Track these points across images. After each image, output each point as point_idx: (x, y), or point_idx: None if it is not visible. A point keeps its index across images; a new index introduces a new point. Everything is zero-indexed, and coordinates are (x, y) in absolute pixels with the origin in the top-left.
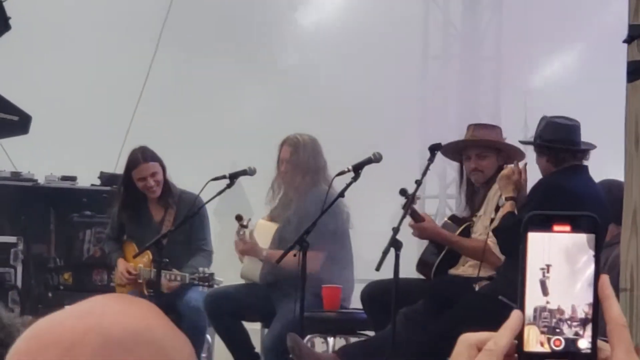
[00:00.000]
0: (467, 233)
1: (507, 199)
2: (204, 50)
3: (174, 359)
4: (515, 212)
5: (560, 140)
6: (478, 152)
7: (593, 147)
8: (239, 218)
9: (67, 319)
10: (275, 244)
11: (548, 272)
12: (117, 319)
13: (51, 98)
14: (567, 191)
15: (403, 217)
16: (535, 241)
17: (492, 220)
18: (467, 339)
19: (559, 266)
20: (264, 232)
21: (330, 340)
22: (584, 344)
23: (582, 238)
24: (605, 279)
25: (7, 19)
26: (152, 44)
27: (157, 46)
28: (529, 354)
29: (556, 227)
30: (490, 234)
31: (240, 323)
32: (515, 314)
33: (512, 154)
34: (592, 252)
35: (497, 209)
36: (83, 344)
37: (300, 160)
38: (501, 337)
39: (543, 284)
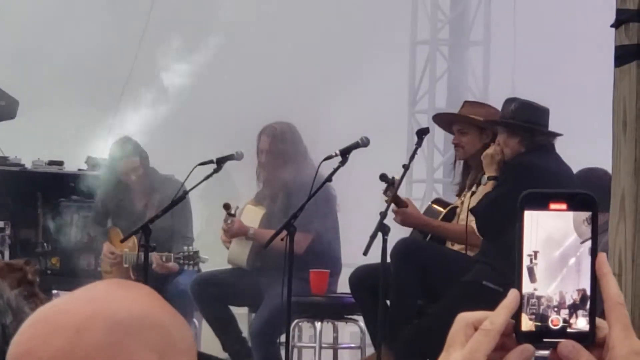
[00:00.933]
0: (452, 215)
1: (489, 178)
2: (192, 33)
3: (178, 342)
4: None
5: (536, 122)
6: (459, 128)
7: (560, 134)
8: (226, 207)
9: (72, 304)
10: (263, 228)
11: (535, 258)
12: (123, 304)
13: (38, 82)
14: (542, 170)
15: (389, 203)
16: (527, 222)
17: (472, 196)
18: (463, 318)
19: (546, 252)
20: (251, 217)
21: (318, 324)
22: (582, 322)
23: (570, 220)
24: (602, 257)
25: None
26: (140, 26)
27: (145, 29)
28: (527, 333)
29: (553, 206)
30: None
31: (227, 308)
32: (512, 293)
33: (495, 132)
34: (578, 238)
35: (479, 184)
36: (91, 328)
37: (280, 149)
38: (498, 316)
39: (530, 271)
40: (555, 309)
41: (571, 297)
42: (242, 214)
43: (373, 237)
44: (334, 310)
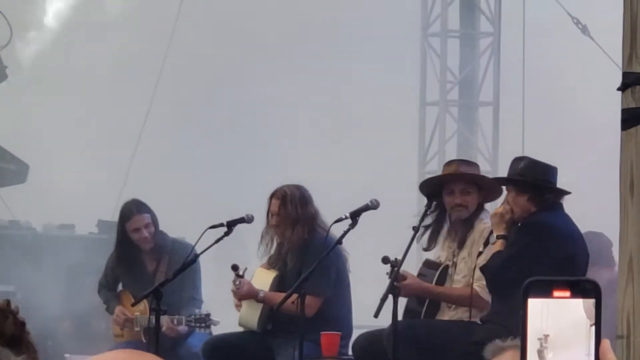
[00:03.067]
0: (444, 277)
1: (498, 237)
2: (201, 97)
3: None
4: None
5: (545, 180)
6: (463, 187)
7: (568, 192)
8: (234, 268)
9: None
10: (274, 291)
11: (546, 342)
12: None
13: (48, 147)
14: (555, 230)
15: (390, 285)
16: (534, 307)
17: (479, 255)
18: None
19: (556, 336)
20: (262, 279)
21: None
22: None
23: (580, 304)
24: (606, 343)
25: (4, 68)
26: (149, 91)
27: (153, 93)
28: None
29: (556, 293)
30: (476, 276)
31: None
32: None
33: (492, 192)
34: (588, 321)
35: (486, 243)
36: None
37: (289, 212)
38: None
39: (540, 354)
40: None
41: None
42: (253, 276)
43: (384, 300)
44: None
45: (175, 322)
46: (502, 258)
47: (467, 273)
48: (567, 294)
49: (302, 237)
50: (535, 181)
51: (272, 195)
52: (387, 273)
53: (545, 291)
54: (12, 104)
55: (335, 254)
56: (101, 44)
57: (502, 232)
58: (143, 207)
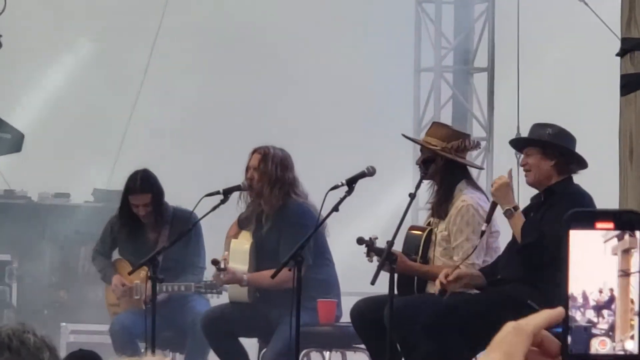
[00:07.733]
0: (429, 241)
1: (513, 209)
2: (197, 63)
3: None
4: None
5: (571, 150)
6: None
7: (586, 166)
8: (215, 262)
9: None
10: (253, 264)
11: None
12: None
13: (44, 115)
14: (589, 201)
15: (379, 267)
16: (573, 242)
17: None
18: (509, 324)
19: (570, 253)
20: (240, 257)
21: (327, 354)
22: (630, 345)
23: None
24: None
25: None
26: (144, 59)
27: (149, 60)
28: (575, 355)
29: (599, 225)
30: (461, 256)
31: (238, 342)
32: (559, 309)
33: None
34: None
35: (489, 220)
36: None
37: (268, 170)
38: (534, 318)
39: None
40: (580, 310)
41: (594, 298)
42: (230, 251)
43: (380, 267)
44: (342, 339)
45: (184, 288)
46: (536, 233)
47: (446, 247)
48: (611, 225)
49: (278, 201)
50: (562, 149)
51: (254, 151)
52: (364, 253)
53: (587, 223)
54: (8, 72)
55: (312, 220)
56: (96, 11)
57: (513, 203)
58: (147, 184)
